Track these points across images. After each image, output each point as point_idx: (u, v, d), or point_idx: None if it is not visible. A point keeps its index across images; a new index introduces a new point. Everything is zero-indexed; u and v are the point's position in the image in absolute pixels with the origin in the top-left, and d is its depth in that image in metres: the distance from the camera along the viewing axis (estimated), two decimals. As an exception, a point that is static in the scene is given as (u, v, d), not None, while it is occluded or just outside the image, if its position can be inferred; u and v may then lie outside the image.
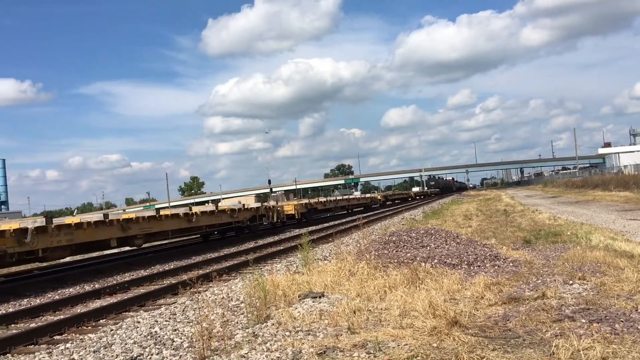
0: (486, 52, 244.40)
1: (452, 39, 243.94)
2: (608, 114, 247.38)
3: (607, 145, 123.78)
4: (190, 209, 18.68)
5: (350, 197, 46.84)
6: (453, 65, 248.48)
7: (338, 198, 40.99)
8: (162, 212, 17.15)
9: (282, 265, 12.49)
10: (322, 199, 36.85)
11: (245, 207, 22.93)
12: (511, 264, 9.21)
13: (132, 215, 15.77)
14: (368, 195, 57.28)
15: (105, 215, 14.58)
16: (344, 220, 31.37)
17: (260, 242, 20.36)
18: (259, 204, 24.58)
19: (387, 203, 57.63)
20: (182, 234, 19.23)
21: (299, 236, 19.80)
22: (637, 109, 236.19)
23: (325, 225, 28.09)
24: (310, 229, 23.55)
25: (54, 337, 7.53)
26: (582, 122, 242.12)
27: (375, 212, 40.48)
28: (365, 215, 32.35)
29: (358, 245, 13.71)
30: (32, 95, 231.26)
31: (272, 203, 27.17)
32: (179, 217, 17.72)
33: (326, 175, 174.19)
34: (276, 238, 21.52)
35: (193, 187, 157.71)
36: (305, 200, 32.56)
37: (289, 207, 28.43)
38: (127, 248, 18.15)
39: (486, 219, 21.74)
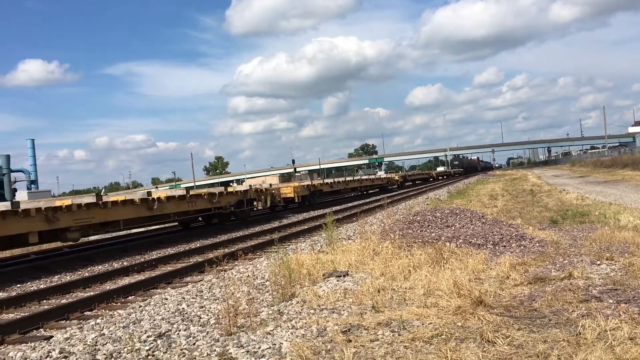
0: (514, 29, 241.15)
1: (479, 15, 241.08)
2: (639, 91, 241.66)
3: (638, 123, 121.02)
4: (150, 194, 15.74)
5: (363, 177, 41.73)
6: (480, 42, 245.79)
7: (348, 179, 36.02)
8: (111, 198, 14.63)
9: (307, 245, 12.57)
10: (329, 180, 32.89)
11: (229, 190, 19.91)
12: (537, 244, 9.13)
13: (65, 202, 13.01)
14: (383, 175, 51.25)
15: (15, 204, 11.87)
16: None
17: (285, 221, 20.45)
18: (247, 187, 21.29)
19: (406, 184, 53.05)
20: (140, 224, 16.60)
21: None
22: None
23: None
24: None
25: (85, 313, 7.74)
26: (612, 100, 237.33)
27: (393, 193, 36.42)
28: (381, 197, 30.53)
29: (382, 224, 13.71)
30: (59, 76, 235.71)
31: (265, 185, 23.34)
32: (133, 203, 14.88)
33: (350, 155, 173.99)
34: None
35: (218, 166, 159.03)
36: (307, 182, 28.62)
37: (287, 189, 25.15)
38: (159, 226, 18.48)
39: (512, 198, 21.51)
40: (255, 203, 21.58)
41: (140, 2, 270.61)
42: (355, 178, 38.88)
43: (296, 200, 25.32)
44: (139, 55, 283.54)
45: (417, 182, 58.97)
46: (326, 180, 32.13)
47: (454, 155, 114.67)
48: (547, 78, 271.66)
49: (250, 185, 21.76)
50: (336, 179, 34.86)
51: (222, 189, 19.49)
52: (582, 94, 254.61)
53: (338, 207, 26.37)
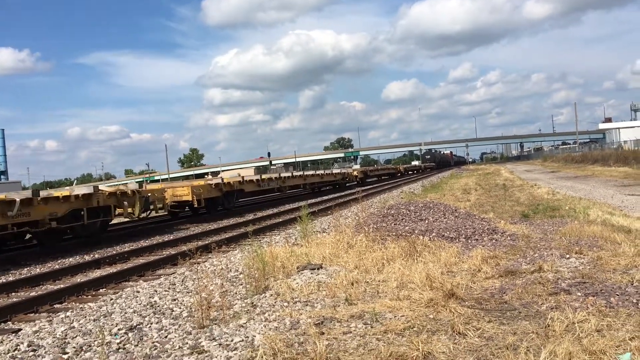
0: (489, 25, 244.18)
1: (455, 11, 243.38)
2: (610, 88, 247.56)
3: (608, 120, 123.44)
4: None
5: (308, 173, 32.77)
6: (455, 38, 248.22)
7: (285, 176, 28.07)
8: None
9: (281, 237, 12.55)
10: (254, 177, 24.34)
11: (53, 195, 13.06)
12: (509, 238, 9.26)
13: None
14: (337, 171, 40.23)
15: None
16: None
17: (259, 214, 20.32)
18: (90, 190, 14.17)
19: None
20: None
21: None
22: (639, 84, 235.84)
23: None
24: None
25: (54, 306, 7.61)
26: (583, 97, 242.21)
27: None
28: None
29: (357, 218, 13.75)
30: (30, 65, 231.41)
31: (131, 186, 15.97)
32: None
33: (326, 149, 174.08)
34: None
35: (192, 158, 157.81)
36: (215, 180, 21.37)
37: (182, 190, 18.43)
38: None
39: (485, 193, 21.77)
40: (114, 212, 15.15)
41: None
42: (297, 174, 31.11)
43: (196, 205, 18.84)
44: (113, 45, 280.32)
45: (383, 177, 52.61)
46: (251, 178, 23.92)
47: (426, 149, 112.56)
48: (521, 74, 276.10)
49: (93, 189, 14.47)
50: (266, 176, 26.46)
51: (28, 193, 12.51)
52: (554, 91, 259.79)
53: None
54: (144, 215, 16.55)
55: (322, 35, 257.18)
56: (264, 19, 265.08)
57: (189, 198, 18.37)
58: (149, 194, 16.48)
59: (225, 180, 21.13)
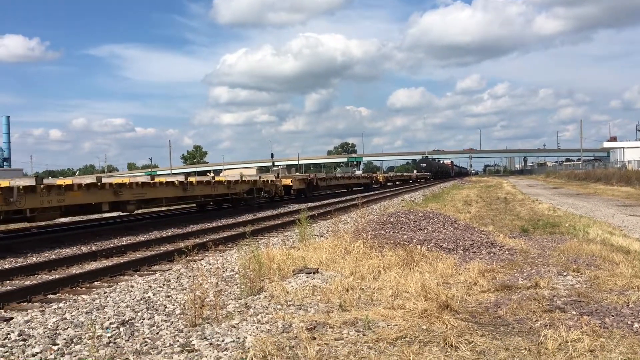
0: (499, 38, 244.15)
1: (466, 22, 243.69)
2: (616, 107, 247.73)
3: (613, 139, 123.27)
4: None
5: (137, 181, 15.92)
6: (465, 49, 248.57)
7: (140, 180, 15.96)
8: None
9: (279, 239, 12.52)
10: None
11: None
12: (507, 252, 9.22)
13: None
14: (248, 175, 22.87)
15: None
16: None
17: (260, 214, 20.30)
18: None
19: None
20: None
21: None
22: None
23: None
24: None
25: (48, 296, 7.60)
26: (589, 115, 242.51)
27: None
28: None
29: (356, 224, 13.71)
30: (39, 54, 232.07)
31: None
32: None
33: (329, 153, 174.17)
34: None
35: (196, 155, 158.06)
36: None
37: None
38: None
39: (486, 205, 21.73)
40: None
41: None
42: (175, 180, 17.22)
43: None
44: (123, 38, 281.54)
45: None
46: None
47: (421, 157, 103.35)
48: (528, 89, 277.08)
49: None
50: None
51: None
52: (561, 107, 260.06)
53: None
54: None
55: (332, 40, 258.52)
56: (275, 19, 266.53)
57: None
58: None
59: None
